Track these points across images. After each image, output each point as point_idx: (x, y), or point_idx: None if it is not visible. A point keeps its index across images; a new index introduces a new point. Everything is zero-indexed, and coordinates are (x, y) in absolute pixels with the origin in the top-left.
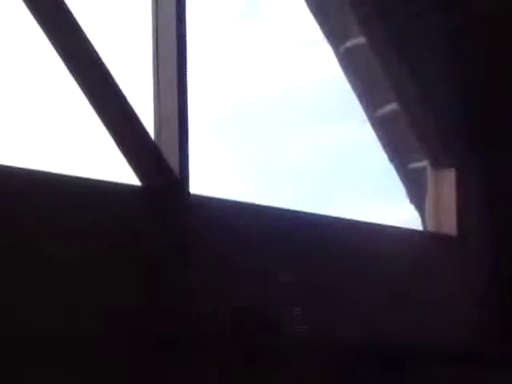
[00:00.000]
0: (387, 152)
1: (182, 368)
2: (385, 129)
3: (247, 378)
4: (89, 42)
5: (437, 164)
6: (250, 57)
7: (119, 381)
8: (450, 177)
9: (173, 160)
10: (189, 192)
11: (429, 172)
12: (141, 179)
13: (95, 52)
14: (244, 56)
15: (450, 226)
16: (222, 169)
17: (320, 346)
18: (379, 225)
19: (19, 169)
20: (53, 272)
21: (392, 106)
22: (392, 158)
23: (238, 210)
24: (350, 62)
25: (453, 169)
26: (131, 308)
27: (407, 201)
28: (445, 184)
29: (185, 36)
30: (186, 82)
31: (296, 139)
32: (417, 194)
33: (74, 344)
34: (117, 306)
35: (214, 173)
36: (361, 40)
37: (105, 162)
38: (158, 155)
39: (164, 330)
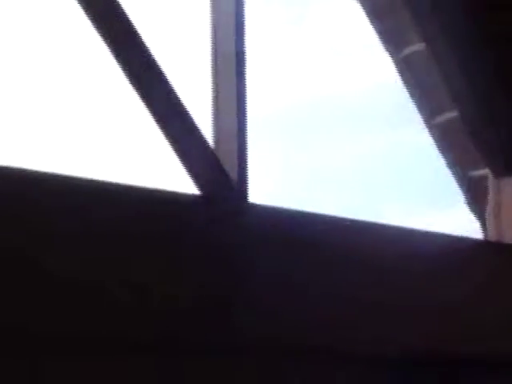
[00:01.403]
0: (446, 159)
1: None
2: (444, 136)
3: None
4: (149, 51)
5: (498, 172)
6: (301, 63)
7: None
8: (511, 185)
9: (231, 168)
10: (248, 200)
11: (490, 180)
12: (199, 188)
13: (155, 61)
14: (295, 62)
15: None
16: (270, 176)
17: (374, 358)
18: (437, 234)
19: (83, 180)
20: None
21: (452, 114)
22: (451, 166)
23: (299, 220)
24: (408, 68)
25: None
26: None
27: (467, 209)
28: (506, 193)
29: (244, 46)
30: (244, 90)
31: (350, 146)
32: (477, 203)
33: None
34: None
35: (263, 180)
36: (420, 46)
37: (163, 171)
38: (217, 163)
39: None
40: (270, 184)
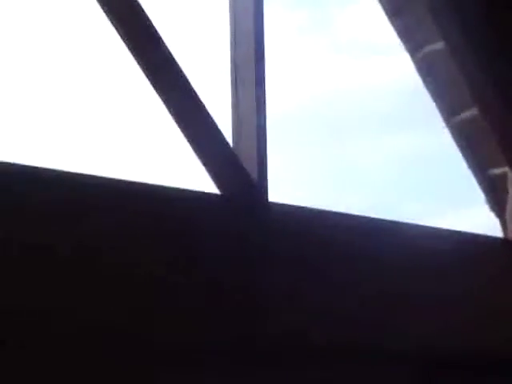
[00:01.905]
0: (466, 158)
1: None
2: (464, 134)
3: None
4: (169, 51)
5: None
6: (323, 62)
7: None
8: None
9: (251, 168)
10: (268, 199)
11: (509, 178)
12: (219, 187)
13: (175, 61)
14: (317, 61)
15: None
16: (290, 175)
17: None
18: (457, 232)
19: (105, 178)
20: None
21: (472, 112)
22: (471, 165)
23: (319, 218)
24: (427, 67)
25: None
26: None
27: (487, 208)
28: None
29: (263, 45)
30: (264, 89)
31: (369, 147)
32: (497, 201)
33: None
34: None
35: (283, 179)
36: (439, 45)
37: (184, 171)
38: (237, 163)
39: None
40: (292, 183)
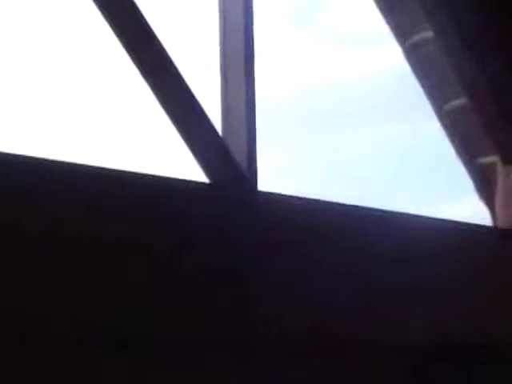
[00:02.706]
0: (455, 147)
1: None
2: (453, 124)
3: None
4: (159, 42)
5: (507, 159)
6: (313, 53)
7: None
8: None
9: (241, 157)
10: (257, 188)
11: (499, 167)
12: (209, 176)
13: (165, 52)
14: (307, 52)
15: None
16: (282, 165)
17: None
18: (447, 221)
19: (94, 167)
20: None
21: (461, 101)
22: (460, 154)
23: (308, 208)
24: (416, 56)
25: None
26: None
27: (476, 197)
28: None
29: (252, 34)
30: (253, 79)
31: (358, 136)
32: (486, 190)
33: None
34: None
35: (274, 169)
36: (428, 34)
37: (173, 160)
38: (226, 152)
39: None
40: (281, 172)
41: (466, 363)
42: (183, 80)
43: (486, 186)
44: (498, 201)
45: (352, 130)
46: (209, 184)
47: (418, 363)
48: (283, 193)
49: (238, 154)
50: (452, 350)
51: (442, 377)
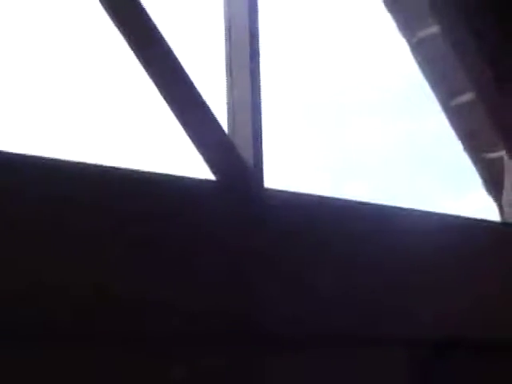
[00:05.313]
0: (463, 142)
1: None
2: (460, 119)
3: None
4: (164, 40)
5: None
6: (319, 52)
7: None
8: None
9: (247, 154)
10: (264, 186)
11: (506, 162)
12: (215, 174)
13: (171, 49)
14: (314, 50)
15: None
16: (294, 161)
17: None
18: (455, 216)
19: (101, 166)
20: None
21: (468, 96)
22: (467, 148)
23: (315, 204)
24: (423, 51)
25: None
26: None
27: (484, 192)
28: None
29: (258, 32)
30: (259, 77)
31: (366, 132)
32: (494, 185)
33: None
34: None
35: (286, 165)
36: (435, 29)
37: (179, 158)
38: (232, 149)
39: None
40: (288, 169)
41: (472, 358)
42: (189, 78)
43: (493, 180)
44: (505, 197)
45: (358, 126)
46: (215, 182)
47: (422, 358)
48: (289, 190)
49: (245, 151)
50: (458, 345)
51: (446, 372)
